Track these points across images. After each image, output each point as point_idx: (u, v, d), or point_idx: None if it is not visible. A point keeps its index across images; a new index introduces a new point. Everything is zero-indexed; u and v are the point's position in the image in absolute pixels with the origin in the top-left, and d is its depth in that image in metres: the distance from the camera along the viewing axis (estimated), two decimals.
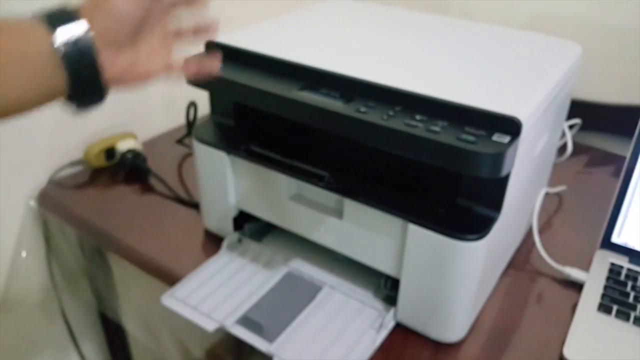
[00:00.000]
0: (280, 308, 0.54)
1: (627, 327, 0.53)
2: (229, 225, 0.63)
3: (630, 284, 0.57)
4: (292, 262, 0.60)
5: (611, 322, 0.53)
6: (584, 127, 0.83)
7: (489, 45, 0.58)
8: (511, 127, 0.42)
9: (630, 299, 0.55)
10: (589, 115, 0.83)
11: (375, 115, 0.45)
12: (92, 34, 0.36)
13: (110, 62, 0.38)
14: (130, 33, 0.39)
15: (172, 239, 0.66)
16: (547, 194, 0.70)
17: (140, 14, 0.39)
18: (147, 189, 0.76)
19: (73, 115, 0.40)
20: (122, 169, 0.79)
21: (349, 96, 0.47)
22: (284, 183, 0.56)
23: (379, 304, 0.55)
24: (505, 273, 0.61)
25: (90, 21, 0.37)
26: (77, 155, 0.79)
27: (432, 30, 0.62)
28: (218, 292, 0.56)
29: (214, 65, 0.47)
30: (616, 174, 0.78)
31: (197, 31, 0.47)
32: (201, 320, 0.53)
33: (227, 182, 0.59)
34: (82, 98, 0.38)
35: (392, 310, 0.53)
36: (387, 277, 0.54)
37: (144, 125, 0.87)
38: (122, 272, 0.76)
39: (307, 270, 0.59)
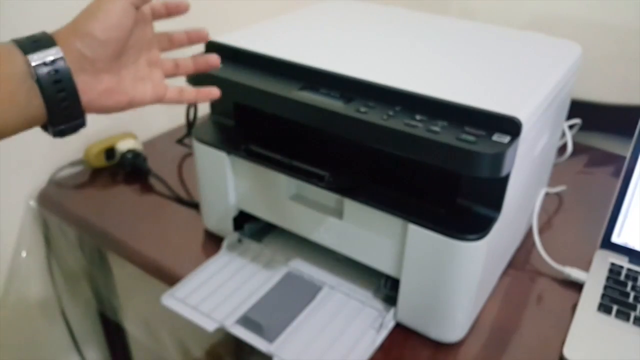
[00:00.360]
0: (280, 308, 0.54)
1: (627, 327, 0.53)
2: (229, 225, 0.63)
3: (630, 284, 0.57)
4: (292, 262, 0.61)
5: (611, 322, 0.53)
6: (583, 127, 0.83)
7: (489, 45, 0.58)
8: (511, 127, 0.42)
9: (630, 299, 0.56)
10: (589, 115, 0.83)
11: (375, 115, 0.45)
12: (66, 58, 0.37)
13: (87, 86, 0.38)
14: (109, 58, 0.39)
15: (172, 239, 0.66)
16: (547, 194, 0.70)
17: (119, 40, 0.39)
18: (147, 189, 0.76)
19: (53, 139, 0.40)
20: (122, 169, 0.79)
21: (349, 96, 0.47)
22: (284, 183, 0.56)
23: (379, 304, 0.55)
24: (505, 273, 0.62)
25: (65, 46, 0.37)
26: (77, 155, 0.79)
27: (432, 30, 0.62)
28: (218, 292, 0.56)
29: (213, 92, 0.47)
30: (616, 173, 0.78)
31: (197, 62, 0.47)
32: (201, 320, 0.53)
33: (227, 182, 0.59)
34: (60, 122, 0.38)
35: (392, 310, 0.53)
36: (387, 277, 0.54)
37: (144, 125, 0.87)
38: (122, 272, 0.76)
39: (307, 270, 0.59)
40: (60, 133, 0.39)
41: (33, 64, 0.36)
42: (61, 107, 0.37)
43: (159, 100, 0.44)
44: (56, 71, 0.36)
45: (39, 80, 0.36)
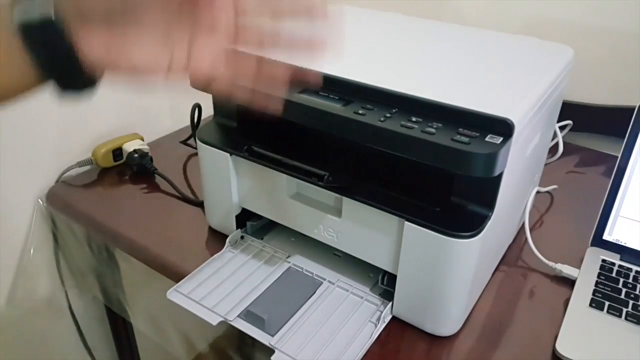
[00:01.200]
0: (281, 303, 0.55)
1: (619, 323, 0.53)
2: (232, 223, 0.64)
3: (622, 280, 0.58)
4: (292, 258, 0.62)
5: (603, 318, 0.54)
6: (574, 128, 0.84)
7: (483, 48, 0.59)
8: (504, 128, 0.43)
9: (622, 295, 0.56)
10: (580, 116, 0.84)
11: (372, 117, 0.46)
12: (59, 7, 0.30)
13: (91, 42, 0.31)
14: (124, 11, 0.31)
15: (177, 236, 0.67)
16: (538, 193, 0.71)
17: None
18: (153, 188, 0.78)
19: (73, 105, 0.33)
20: (128, 169, 0.81)
21: (347, 99, 0.48)
22: (285, 182, 0.57)
23: (376, 299, 0.57)
24: (498, 269, 0.62)
25: None
26: (85, 155, 0.81)
27: (427, 34, 0.63)
28: (221, 287, 0.58)
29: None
30: (606, 173, 0.80)
31: (307, 44, 0.33)
32: (205, 314, 0.54)
33: (230, 181, 0.60)
34: (62, 82, 0.32)
35: (389, 305, 0.54)
36: (385, 273, 0.55)
37: (150, 127, 0.89)
38: (129, 268, 0.77)
39: (307, 266, 0.61)
40: (68, 92, 0.33)
41: (18, 14, 0.30)
42: (57, 63, 0.31)
43: (199, 77, 0.32)
44: (44, 20, 0.30)
45: (23, 31, 0.30)
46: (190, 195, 0.75)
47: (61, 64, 0.32)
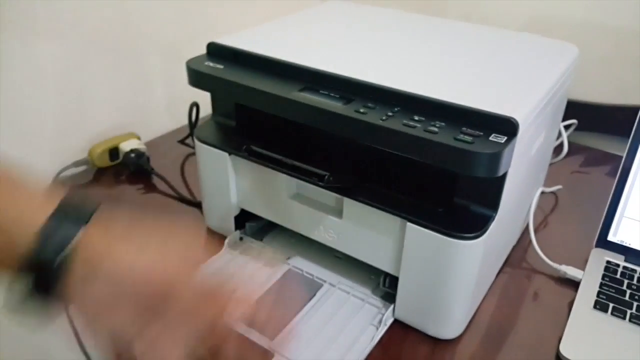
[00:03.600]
0: (281, 305, 0.55)
1: (624, 325, 0.53)
2: (231, 224, 0.63)
3: (626, 282, 0.58)
4: (292, 260, 0.61)
5: (607, 320, 0.54)
6: (579, 127, 0.84)
7: (486, 46, 0.59)
8: (508, 127, 0.43)
9: (627, 297, 0.56)
10: (585, 115, 0.84)
11: (374, 116, 0.45)
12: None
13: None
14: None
15: None
16: (543, 193, 0.71)
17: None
18: (150, 188, 0.77)
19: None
20: (125, 169, 0.80)
21: (348, 97, 0.48)
22: (285, 182, 0.56)
23: (378, 301, 0.56)
24: (502, 271, 0.62)
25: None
26: (82, 155, 0.80)
27: (430, 32, 0.63)
28: None
29: None
30: (611, 173, 0.79)
31: None
32: None
33: (228, 181, 0.60)
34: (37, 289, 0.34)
35: (391, 307, 0.54)
36: (386, 275, 0.55)
37: (147, 126, 0.88)
38: None
39: (307, 268, 0.60)
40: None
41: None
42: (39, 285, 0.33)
43: None
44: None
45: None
46: (188, 196, 0.75)
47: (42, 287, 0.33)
